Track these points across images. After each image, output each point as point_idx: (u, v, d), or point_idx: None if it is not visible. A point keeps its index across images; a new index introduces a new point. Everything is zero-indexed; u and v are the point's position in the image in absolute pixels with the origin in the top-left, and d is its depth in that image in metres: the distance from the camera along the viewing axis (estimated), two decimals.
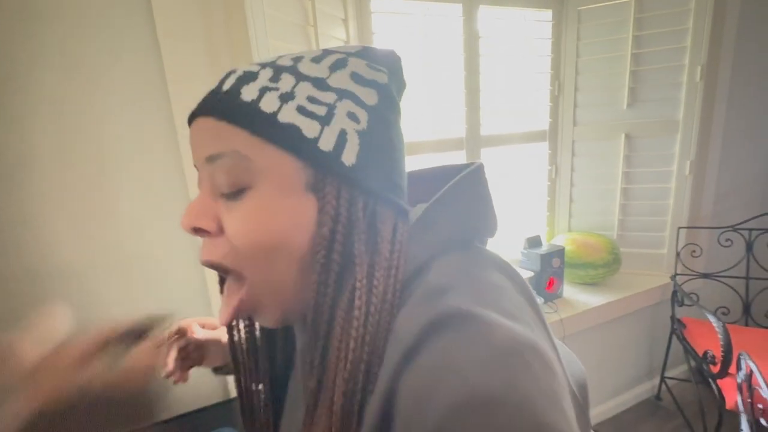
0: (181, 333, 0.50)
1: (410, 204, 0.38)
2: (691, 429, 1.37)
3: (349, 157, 0.30)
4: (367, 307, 0.28)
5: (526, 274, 1.26)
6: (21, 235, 0.76)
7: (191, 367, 0.51)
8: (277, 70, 0.31)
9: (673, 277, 1.41)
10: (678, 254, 1.42)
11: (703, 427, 1.21)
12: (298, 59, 0.32)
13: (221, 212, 0.31)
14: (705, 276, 1.45)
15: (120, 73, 0.77)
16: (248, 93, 0.30)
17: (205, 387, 0.91)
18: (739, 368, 0.99)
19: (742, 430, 0.97)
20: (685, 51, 1.32)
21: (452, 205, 0.33)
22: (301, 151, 0.29)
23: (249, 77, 0.30)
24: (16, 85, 0.72)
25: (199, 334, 0.49)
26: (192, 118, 0.32)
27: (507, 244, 1.44)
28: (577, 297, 1.38)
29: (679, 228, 1.42)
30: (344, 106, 0.30)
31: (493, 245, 0.37)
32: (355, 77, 0.32)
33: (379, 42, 1.14)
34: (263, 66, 0.31)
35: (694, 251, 1.42)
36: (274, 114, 0.29)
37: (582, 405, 0.30)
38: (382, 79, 0.33)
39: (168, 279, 0.87)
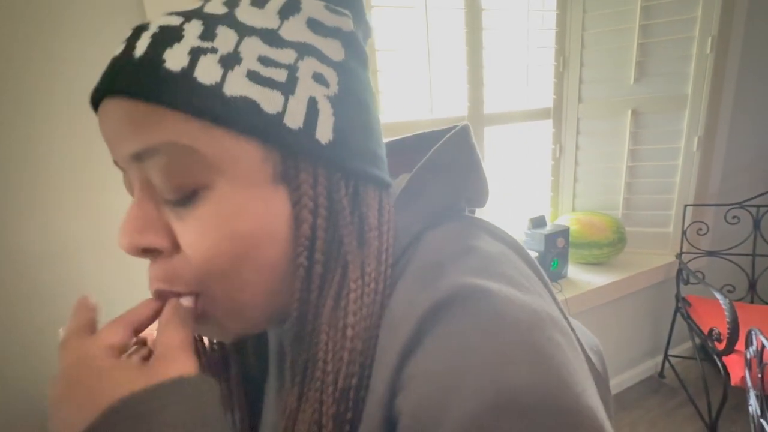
0: (142, 342, 0.44)
1: (392, 176, 0.34)
2: (694, 405, 1.38)
3: (324, 132, 0.24)
4: (362, 311, 0.24)
5: None
6: (18, 219, 0.74)
7: None
8: (209, 22, 0.23)
9: (679, 256, 1.40)
10: (684, 232, 1.41)
11: (707, 404, 1.22)
12: (233, 4, 0.24)
13: (171, 222, 0.24)
14: (711, 254, 1.43)
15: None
16: (174, 59, 0.21)
17: None
18: (749, 344, 0.99)
19: (750, 405, 0.97)
20: (695, 21, 1.28)
21: (439, 171, 0.29)
22: (263, 132, 0.22)
23: (170, 35, 0.22)
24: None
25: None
26: (97, 99, 0.23)
27: (511, 225, 1.43)
28: (582, 277, 1.36)
29: (686, 205, 1.40)
30: (308, 66, 0.24)
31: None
32: (314, 25, 0.25)
33: (381, 34, 1.10)
34: (187, 17, 0.23)
35: (700, 229, 1.40)
36: (218, 86, 0.21)
37: (601, 373, 0.27)
38: (346, 26, 0.26)
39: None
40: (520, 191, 1.50)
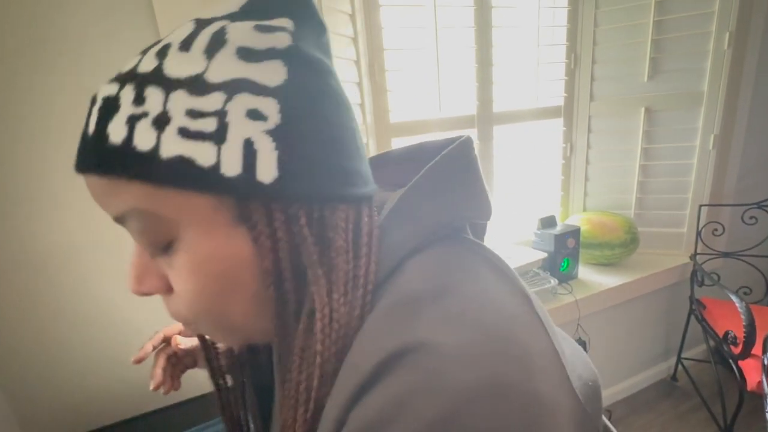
0: (167, 341, 0.47)
1: (390, 188, 0.33)
2: (708, 409, 1.35)
3: (266, 171, 0.23)
4: (330, 337, 0.24)
5: (539, 255, 1.23)
6: (17, 218, 0.75)
7: (184, 371, 0.48)
8: (140, 84, 0.23)
9: (693, 257, 1.37)
10: (699, 233, 1.37)
11: (721, 408, 1.19)
12: (163, 54, 0.24)
13: (164, 268, 0.27)
14: (726, 255, 1.40)
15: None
16: (116, 131, 0.23)
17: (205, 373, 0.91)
18: (767, 349, 0.96)
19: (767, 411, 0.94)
20: (712, 17, 1.24)
21: (434, 189, 0.27)
22: (204, 186, 0.23)
23: (110, 107, 0.23)
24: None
25: (184, 344, 0.45)
26: (79, 172, 0.26)
27: (520, 225, 1.41)
28: (593, 278, 1.34)
29: (701, 205, 1.37)
30: (239, 105, 0.23)
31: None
32: (245, 54, 0.23)
33: (389, 35, 1.09)
34: (123, 81, 0.24)
35: (715, 230, 1.37)
36: (155, 150, 0.22)
37: (589, 412, 0.24)
38: (282, 40, 0.24)
39: None
40: (530, 191, 1.48)
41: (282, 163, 0.23)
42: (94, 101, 0.24)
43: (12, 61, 0.69)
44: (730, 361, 1.10)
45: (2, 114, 0.71)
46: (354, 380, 0.22)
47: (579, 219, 1.41)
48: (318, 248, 0.25)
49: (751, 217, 1.35)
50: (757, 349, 1.01)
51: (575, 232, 1.28)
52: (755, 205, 1.35)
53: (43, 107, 0.72)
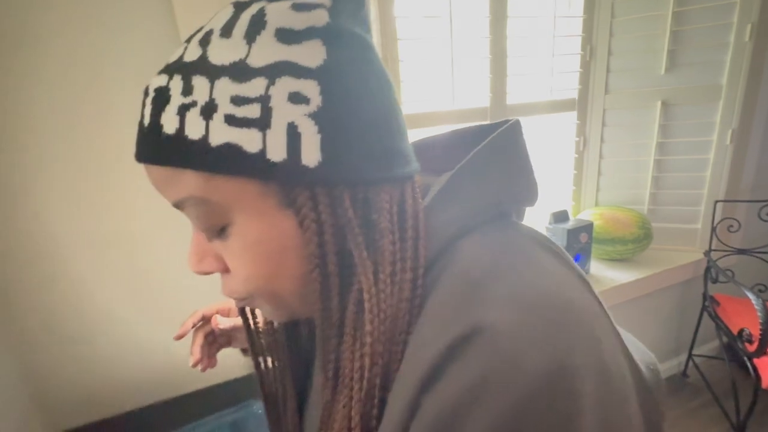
0: (205, 320, 0.49)
1: (435, 173, 0.33)
2: (720, 406, 1.34)
3: (310, 155, 0.23)
4: (379, 317, 0.24)
5: None
6: (21, 213, 0.75)
7: (219, 350, 0.50)
8: (187, 74, 0.24)
9: (707, 253, 1.35)
10: (714, 229, 1.35)
11: (735, 405, 1.18)
12: (206, 41, 0.24)
13: (220, 250, 0.28)
14: (741, 252, 1.38)
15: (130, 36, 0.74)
16: (169, 122, 0.23)
17: (231, 359, 0.91)
18: None
19: None
20: (734, 7, 1.21)
21: (484, 170, 0.27)
22: (252, 172, 0.23)
23: (162, 98, 0.24)
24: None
25: (223, 324, 0.47)
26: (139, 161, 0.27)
27: (532, 219, 1.40)
28: (605, 273, 1.33)
29: (716, 201, 1.35)
30: (281, 89, 0.23)
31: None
32: (284, 36, 0.23)
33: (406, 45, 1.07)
34: (171, 72, 0.24)
35: (731, 226, 1.35)
36: (204, 139, 0.23)
37: (653, 392, 0.25)
38: (320, 18, 0.24)
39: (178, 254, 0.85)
40: (542, 185, 1.46)
41: (325, 147, 0.23)
42: (146, 93, 0.25)
43: (15, 53, 0.69)
44: (745, 358, 1.09)
45: (2, 102, 0.70)
46: (424, 363, 0.22)
47: (591, 214, 1.39)
48: (363, 230, 0.25)
49: (767, 214, 1.32)
50: None
51: (588, 227, 1.26)
52: None
53: (44, 97, 0.72)
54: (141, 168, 0.26)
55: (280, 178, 0.24)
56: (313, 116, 0.23)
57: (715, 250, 1.36)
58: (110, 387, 0.85)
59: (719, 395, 1.37)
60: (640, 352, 0.27)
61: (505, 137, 0.28)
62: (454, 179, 0.28)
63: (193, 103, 0.23)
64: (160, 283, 0.85)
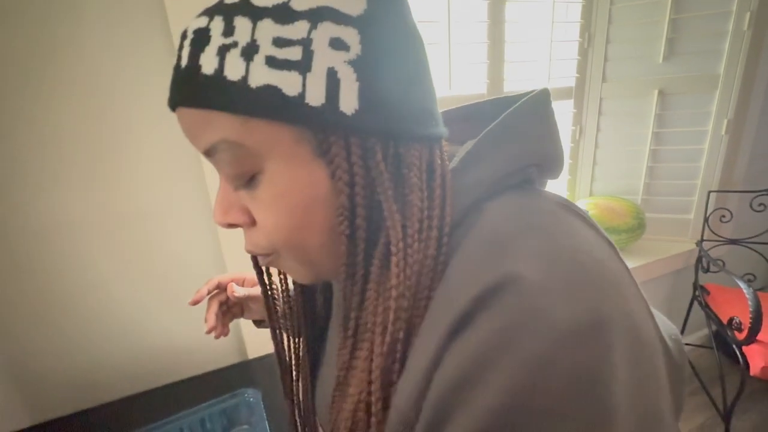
0: (221, 288, 0.49)
1: (458, 143, 0.33)
2: (707, 393, 1.37)
3: (348, 102, 0.23)
4: (405, 272, 0.24)
5: None
6: (23, 188, 0.72)
7: (232, 320, 0.51)
8: (229, 14, 0.23)
9: (699, 243, 1.36)
10: (706, 219, 1.36)
11: (722, 393, 1.21)
12: None
13: (246, 202, 0.28)
14: (733, 242, 1.39)
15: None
16: (208, 62, 0.23)
17: (223, 347, 0.90)
18: None
19: None
20: None
21: (512, 134, 0.27)
22: (288, 116, 0.23)
23: (201, 38, 0.24)
24: None
25: (238, 292, 0.48)
26: (171, 107, 0.27)
27: None
28: None
29: (710, 192, 1.35)
30: (323, 34, 0.23)
31: None
32: None
33: None
34: (212, 14, 0.24)
35: (723, 216, 1.36)
36: (244, 80, 0.23)
37: (678, 362, 0.26)
38: None
39: (178, 237, 0.84)
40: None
41: (363, 96, 0.23)
42: (184, 36, 0.25)
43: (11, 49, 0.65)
44: (734, 346, 1.11)
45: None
46: (450, 314, 0.22)
47: (586, 203, 1.39)
48: (392, 184, 0.25)
49: (760, 204, 1.33)
50: (762, 335, 1.01)
51: None
52: (765, 192, 1.34)
53: (41, 82, 0.69)
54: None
55: (317, 124, 0.24)
56: (353, 64, 0.23)
57: (706, 240, 1.38)
58: (98, 375, 0.83)
59: (706, 383, 1.40)
60: (663, 323, 0.27)
61: (535, 103, 0.29)
62: (481, 143, 0.28)
63: (234, 44, 0.23)
64: (153, 268, 0.83)
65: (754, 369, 1.04)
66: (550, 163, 0.29)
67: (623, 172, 1.45)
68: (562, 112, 1.44)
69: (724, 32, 1.23)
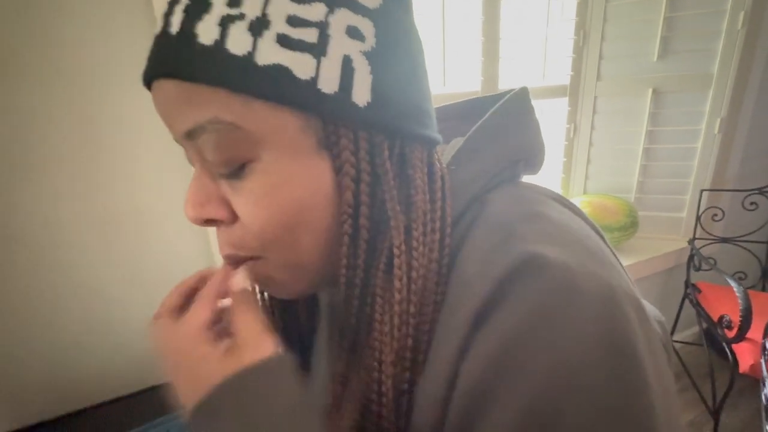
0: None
1: (444, 142, 0.32)
2: (697, 390, 1.38)
3: (361, 94, 0.22)
4: (409, 274, 0.24)
5: None
6: (12, 186, 0.70)
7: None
8: None
9: (691, 242, 1.37)
10: (699, 218, 1.37)
11: (711, 389, 1.22)
12: None
13: (227, 194, 0.25)
14: (725, 240, 1.40)
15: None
16: (206, 32, 0.21)
17: None
18: (767, 334, 0.97)
19: (765, 394, 0.96)
20: None
21: (496, 133, 0.28)
22: (298, 100, 0.21)
23: (199, 5, 0.21)
24: None
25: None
26: (148, 80, 0.24)
27: None
28: None
29: (702, 190, 1.36)
30: (340, 20, 0.22)
31: None
32: None
33: None
34: None
35: (715, 215, 1.37)
36: (250, 55, 0.21)
37: (665, 344, 0.27)
38: None
39: (167, 236, 0.82)
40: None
41: (375, 89, 0.23)
42: (173, 2, 0.22)
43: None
44: (724, 344, 1.11)
45: None
46: (472, 302, 0.21)
47: (580, 201, 1.39)
48: (397, 183, 0.24)
49: (751, 203, 1.34)
50: (751, 333, 1.02)
51: None
52: (756, 191, 1.35)
53: (33, 79, 0.67)
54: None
55: (327, 113, 0.22)
56: (367, 55, 0.22)
57: (698, 239, 1.38)
58: (80, 378, 0.82)
59: (696, 380, 1.41)
60: (649, 308, 0.28)
61: (516, 101, 0.29)
62: (471, 141, 0.28)
63: (240, 16, 0.21)
64: (140, 268, 0.81)
65: (744, 366, 1.05)
66: (535, 158, 0.30)
67: (617, 170, 1.45)
68: (557, 109, 1.43)
69: (718, 31, 1.23)
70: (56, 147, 0.71)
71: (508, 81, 1.26)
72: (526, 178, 0.32)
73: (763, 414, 0.97)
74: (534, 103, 0.31)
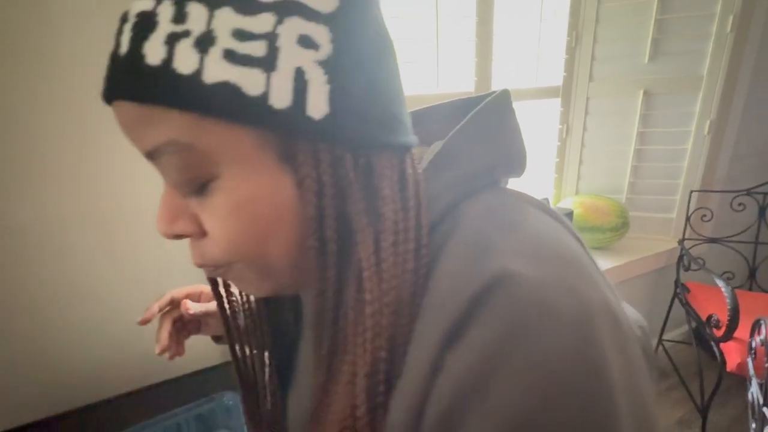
0: (174, 304, 0.45)
1: (426, 144, 0.32)
2: (686, 388, 1.40)
3: (317, 106, 0.21)
4: (380, 286, 0.23)
5: None
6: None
7: (188, 337, 0.47)
8: (180, 0, 0.21)
9: (681, 242, 1.39)
10: (688, 218, 1.39)
11: (700, 388, 1.23)
12: None
13: (196, 210, 0.25)
14: (713, 241, 1.42)
15: None
16: (153, 51, 0.20)
17: (203, 348, 0.88)
18: (754, 332, 0.98)
19: (751, 392, 0.97)
20: None
21: (478, 135, 0.27)
22: (250, 117, 0.21)
23: (146, 23, 0.21)
24: None
25: (193, 309, 0.43)
26: (107, 101, 0.23)
27: None
28: None
29: (692, 191, 1.37)
30: (291, 29, 0.21)
31: None
32: None
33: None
34: None
35: (704, 215, 1.38)
36: (197, 74, 0.20)
37: (646, 350, 0.26)
38: None
39: (160, 237, 0.81)
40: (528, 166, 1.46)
41: (333, 99, 0.22)
42: (125, 19, 0.22)
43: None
44: (712, 343, 1.13)
45: None
46: (444, 320, 0.21)
47: (572, 202, 1.40)
48: (363, 195, 0.24)
49: (739, 204, 1.36)
50: (738, 333, 1.04)
51: (568, 216, 1.27)
52: (744, 192, 1.37)
53: (32, 72, 0.65)
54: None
55: (281, 128, 0.22)
56: (323, 64, 0.21)
57: (688, 239, 1.40)
58: (69, 379, 0.80)
59: (685, 378, 1.43)
60: (630, 312, 0.28)
61: (496, 104, 0.28)
62: (448, 146, 0.27)
63: (186, 33, 0.20)
64: (132, 267, 0.80)
65: (731, 365, 1.06)
66: (516, 162, 0.29)
67: (608, 171, 1.46)
68: (550, 110, 1.44)
69: (707, 34, 1.25)
70: (56, 147, 0.70)
71: (501, 81, 1.26)
72: (512, 182, 0.31)
73: (750, 412, 0.99)
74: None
